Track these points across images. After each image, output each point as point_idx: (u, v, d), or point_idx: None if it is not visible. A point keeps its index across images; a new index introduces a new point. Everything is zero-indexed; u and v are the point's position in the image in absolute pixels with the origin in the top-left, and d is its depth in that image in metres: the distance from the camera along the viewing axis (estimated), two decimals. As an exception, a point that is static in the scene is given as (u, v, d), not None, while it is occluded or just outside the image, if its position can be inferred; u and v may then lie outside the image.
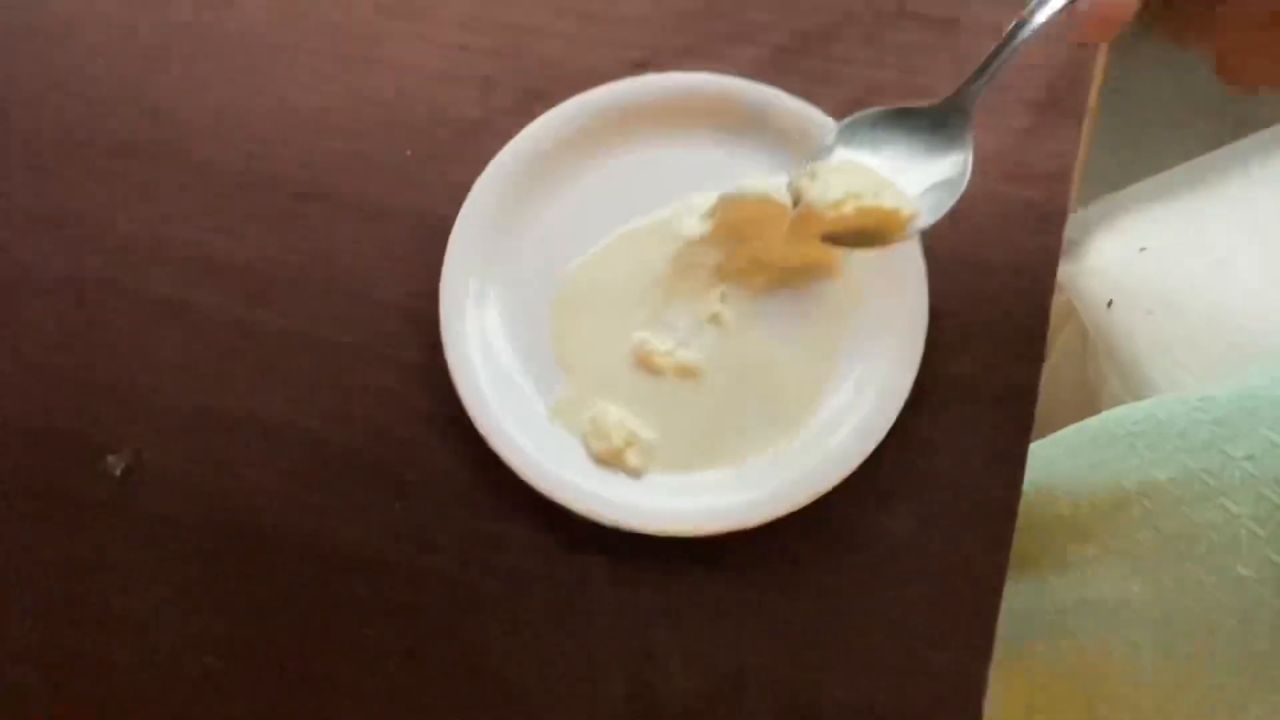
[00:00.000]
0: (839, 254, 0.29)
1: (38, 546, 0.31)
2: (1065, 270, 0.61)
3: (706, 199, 0.30)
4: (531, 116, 0.31)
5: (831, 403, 0.28)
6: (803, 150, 0.29)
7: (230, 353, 0.32)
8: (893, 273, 0.28)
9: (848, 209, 0.24)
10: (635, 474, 0.27)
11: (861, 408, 0.27)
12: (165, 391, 0.32)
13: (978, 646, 0.26)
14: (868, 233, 0.25)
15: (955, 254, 0.30)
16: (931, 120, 0.25)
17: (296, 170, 0.34)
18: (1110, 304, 0.56)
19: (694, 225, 0.30)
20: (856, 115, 0.26)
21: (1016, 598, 0.42)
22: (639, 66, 0.33)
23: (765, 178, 0.28)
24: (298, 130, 0.34)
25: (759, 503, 0.26)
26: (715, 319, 0.29)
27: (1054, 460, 0.39)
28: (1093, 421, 0.40)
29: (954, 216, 0.30)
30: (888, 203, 0.24)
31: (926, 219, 0.25)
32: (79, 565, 0.31)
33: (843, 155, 0.25)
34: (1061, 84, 0.31)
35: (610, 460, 0.28)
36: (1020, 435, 0.28)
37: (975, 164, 0.31)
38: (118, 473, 0.31)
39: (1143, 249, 0.57)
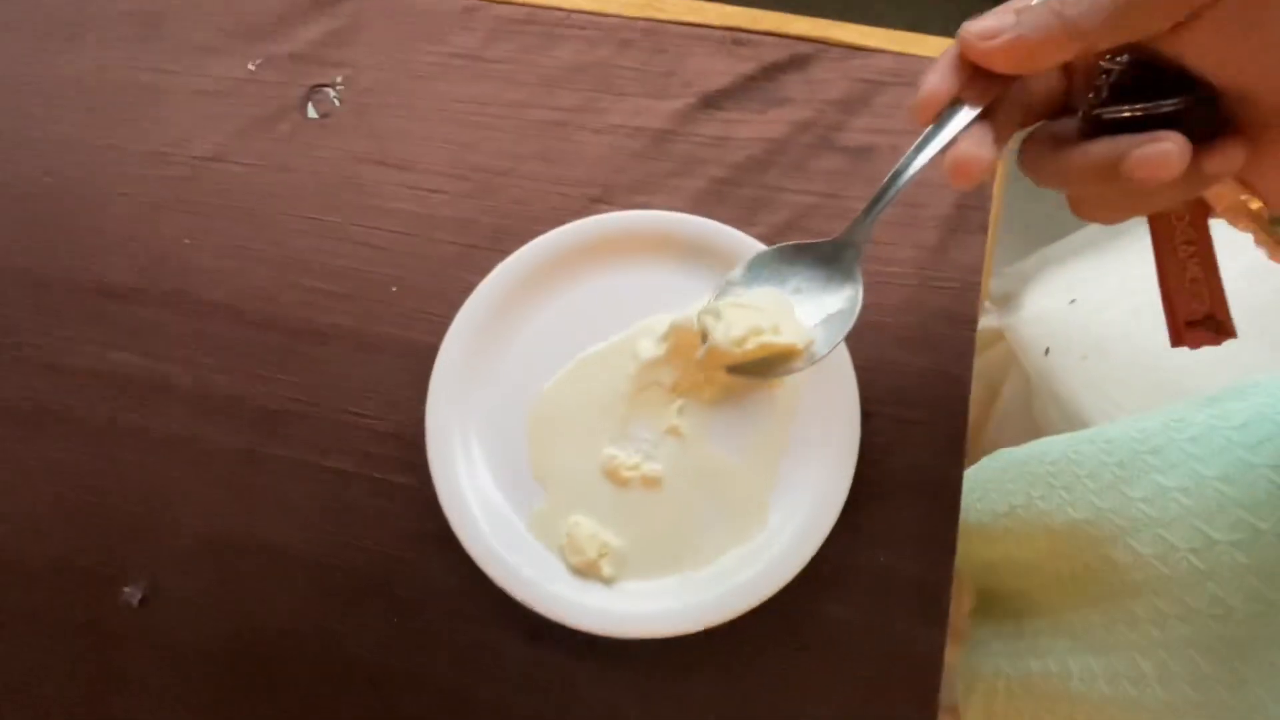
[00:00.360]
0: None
1: (64, 674, 0.33)
2: (1005, 321, 0.66)
3: (660, 323, 0.34)
4: (503, 252, 0.35)
5: (779, 506, 0.31)
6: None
7: (235, 483, 0.35)
8: (827, 379, 0.32)
9: (750, 345, 0.28)
10: (609, 582, 0.31)
11: (806, 509, 0.30)
12: (176, 522, 0.35)
13: (922, 714, 0.29)
14: (768, 363, 0.28)
15: (881, 359, 0.34)
16: (827, 253, 0.28)
17: (292, 309, 0.37)
18: (1048, 351, 0.61)
19: (650, 347, 0.33)
20: (761, 251, 0.29)
21: (982, 630, 0.44)
22: (596, 202, 0.38)
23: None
24: (292, 271, 0.38)
25: (720, 603, 0.29)
26: (674, 431, 0.33)
27: (990, 490, 0.42)
28: (1019, 452, 0.42)
29: (878, 323, 0.35)
30: (785, 338, 0.27)
31: (821, 349, 0.27)
32: (103, 689, 0.33)
33: (749, 289, 0.29)
34: (967, 202, 0.36)
35: (586, 571, 0.31)
36: (948, 522, 0.31)
37: (896, 276, 0.35)
38: (135, 602, 0.33)
39: (1073, 300, 0.62)
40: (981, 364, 0.69)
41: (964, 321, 0.34)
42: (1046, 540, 0.38)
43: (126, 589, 0.33)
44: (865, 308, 0.34)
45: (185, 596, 0.33)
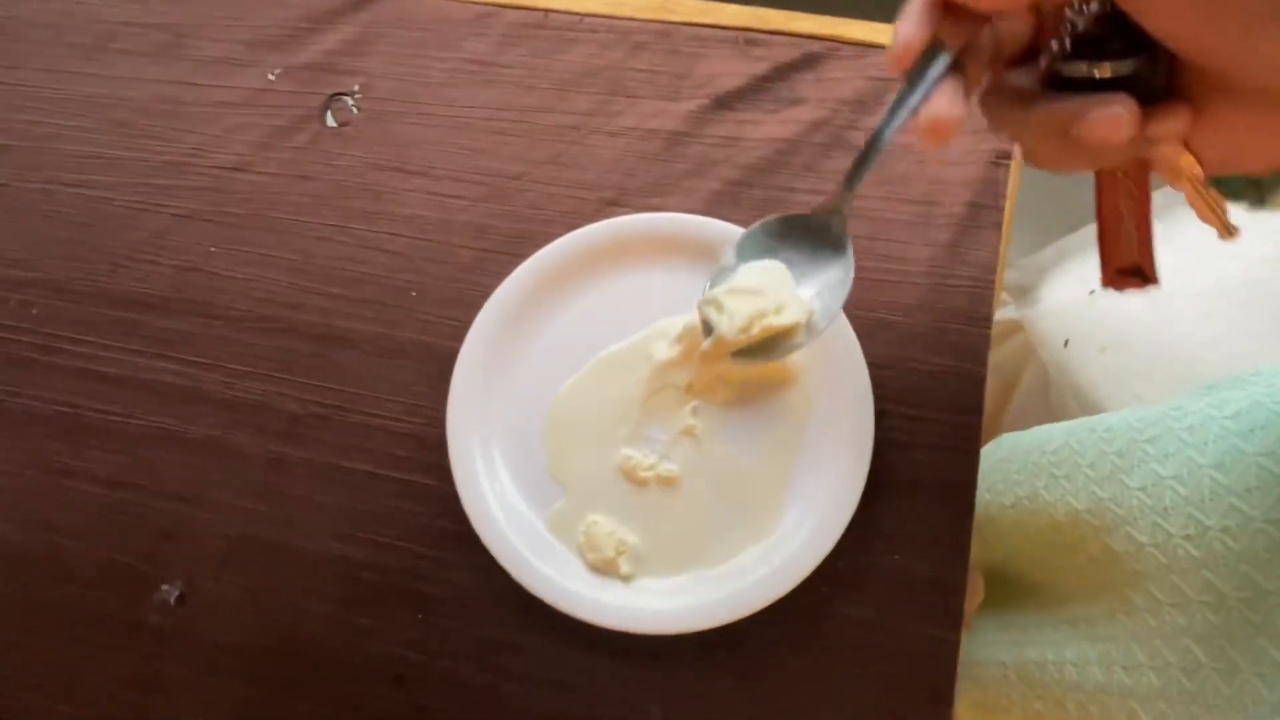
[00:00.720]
0: (793, 363, 0.33)
1: (103, 669, 0.35)
2: (1024, 313, 0.66)
3: (674, 325, 0.34)
4: (519, 256, 0.36)
5: (794, 505, 0.32)
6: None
7: (263, 485, 0.36)
8: (841, 378, 0.32)
9: (755, 330, 0.28)
10: (627, 580, 0.31)
11: (820, 508, 0.31)
12: (209, 524, 0.36)
13: (937, 714, 0.30)
14: (770, 343, 0.29)
15: (895, 357, 0.34)
16: (815, 224, 0.28)
17: (314, 315, 0.38)
18: (1067, 343, 0.60)
19: (664, 349, 0.34)
20: (749, 230, 0.29)
21: (983, 619, 0.44)
22: (610, 205, 0.38)
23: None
24: (314, 278, 0.39)
25: (736, 601, 0.30)
26: (689, 431, 0.33)
27: (996, 482, 0.42)
28: (1023, 439, 0.42)
29: (893, 322, 0.35)
30: (788, 318, 0.28)
31: (821, 321, 0.28)
32: (140, 685, 0.34)
33: (744, 270, 0.29)
34: (981, 200, 0.36)
35: (604, 569, 0.31)
36: (962, 522, 0.31)
37: (910, 274, 0.36)
38: (172, 600, 0.35)
39: (1092, 291, 0.61)
40: (999, 356, 0.69)
41: (979, 320, 0.34)
42: (1052, 532, 0.38)
43: (164, 587, 0.35)
44: (879, 306, 0.35)
45: (219, 595, 0.35)
